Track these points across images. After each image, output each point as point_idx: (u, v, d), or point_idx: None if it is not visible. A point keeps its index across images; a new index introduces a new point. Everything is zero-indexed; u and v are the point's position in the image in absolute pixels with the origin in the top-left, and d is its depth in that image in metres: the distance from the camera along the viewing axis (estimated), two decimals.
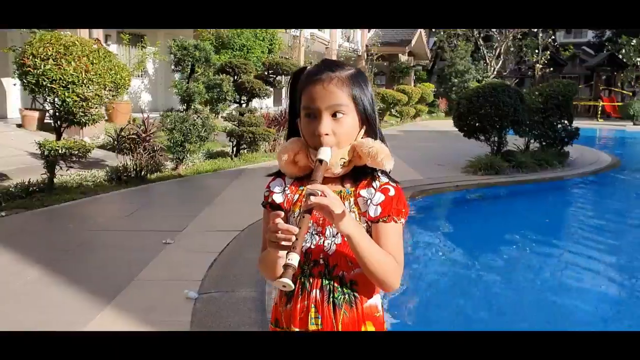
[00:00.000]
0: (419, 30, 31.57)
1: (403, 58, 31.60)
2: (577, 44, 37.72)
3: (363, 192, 1.47)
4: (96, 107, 6.72)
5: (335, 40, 27.79)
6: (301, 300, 1.46)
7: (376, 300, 1.51)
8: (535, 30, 31.44)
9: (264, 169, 9.85)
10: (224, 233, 5.34)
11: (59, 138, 6.90)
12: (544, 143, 11.08)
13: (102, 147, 10.30)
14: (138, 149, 8.06)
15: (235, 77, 10.27)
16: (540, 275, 5.44)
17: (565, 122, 10.97)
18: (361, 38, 31.32)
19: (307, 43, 21.87)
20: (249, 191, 7.74)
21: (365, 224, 1.45)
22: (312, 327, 1.44)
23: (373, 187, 1.47)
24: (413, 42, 30.91)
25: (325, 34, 26.77)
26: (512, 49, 32.23)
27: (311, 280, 1.45)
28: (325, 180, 1.42)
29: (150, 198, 7.13)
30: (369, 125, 1.48)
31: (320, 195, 1.30)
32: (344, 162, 1.45)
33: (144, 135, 8.12)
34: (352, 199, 1.47)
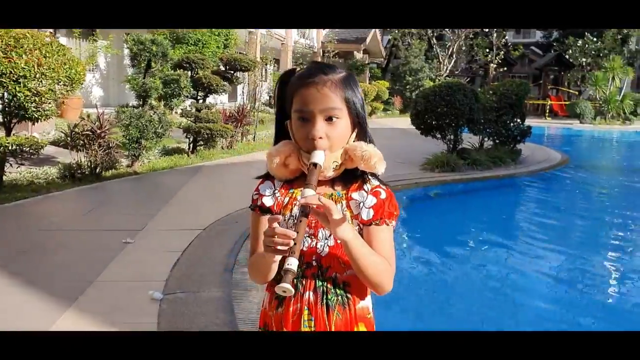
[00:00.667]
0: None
1: (358, 56, 31.77)
2: (525, 44, 38.82)
3: (355, 195, 1.47)
4: (49, 103, 6.49)
5: (291, 37, 27.70)
6: (294, 303, 1.45)
7: (368, 301, 1.52)
8: (488, 30, 32.17)
9: (221, 166, 9.76)
10: (186, 232, 5.26)
11: (8, 134, 6.64)
12: (497, 141, 11.37)
13: (53, 143, 9.95)
14: (93, 145, 7.83)
15: (192, 72, 10.11)
16: (493, 270, 5.55)
17: (518, 120, 11.28)
18: (317, 35, 31.33)
19: (263, 39, 21.69)
20: (209, 189, 7.66)
21: (357, 227, 1.45)
22: (305, 330, 1.43)
23: (365, 190, 1.47)
24: (368, 39, 31.13)
25: (281, 30, 26.65)
26: (463, 48, 32.89)
27: (304, 282, 1.45)
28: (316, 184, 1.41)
29: (106, 196, 6.95)
30: (361, 128, 1.48)
31: (318, 201, 1.30)
32: (336, 166, 1.45)
33: (99, 131, 7.89)
34: (344, 202, 1.47)
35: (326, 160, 1.41)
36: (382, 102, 27.44)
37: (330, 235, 1.44)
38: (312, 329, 1.43)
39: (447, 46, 31.00)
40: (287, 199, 1.51)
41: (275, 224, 1.29)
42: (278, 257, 1.36)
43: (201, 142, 10.62)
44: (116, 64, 16.78)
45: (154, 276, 4.06)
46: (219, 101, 16.82)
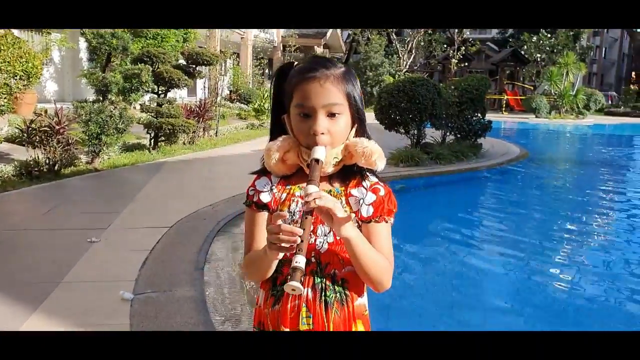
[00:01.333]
0: None
1: (318, 50, 31.77)
2: (482, 40, 39.51)
3: (354, 192, 1.46)
4: (5, 98, 6.25)
5: (251, 31, 27.46)
6: (291, 300, 1.42)
7: (364, 299, 1.50)
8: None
9: (184, 162, 9.60)
10: (152, 230, 5.14)
11: None
12: (459, 135, 11.53)
13: (7, 139, 9.60)
14: (51, 141, 7.59)
15: (153, 66, 9.89)
16: (456, 263, 5.57)
17: (479, 115, 11.46)
18: (276, 29, 31.17)
19: (223, 33, 21.43)
20: (173, 186, 7.52)
21: (356, 224, 1.43)
22: (303, 327, 1.41)
23: (364, 186, 1.46)
24: (328, 34, 31.17)
25: None
26: (422, 43, 33.27)
27: (302, 279, 1.42)
28: None
29: (67, 194, 6.73)
30: (360, 123, 1.46)
31: (321, 197, 1.28)
32: (337, 161, 1.43)
33: (57, 127, 7.64)
34: (342, 198, 1.45)
35: (327, 155, 1.39)
36: None
37: (329, 232, 1.42)
38: (311, 327, 1.41)
39: (407, 41, 31.29)
40: (284, 195, 1.48)
41: (280, 221, 1.26)
42: (280, 255, 1.33)
43: (163, 138, 10.42)
44: (71, 58, 16.28)
45: (123, 276, 3.95)
46: (178, 96, 16.56)
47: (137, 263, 4.20)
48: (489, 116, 12.33)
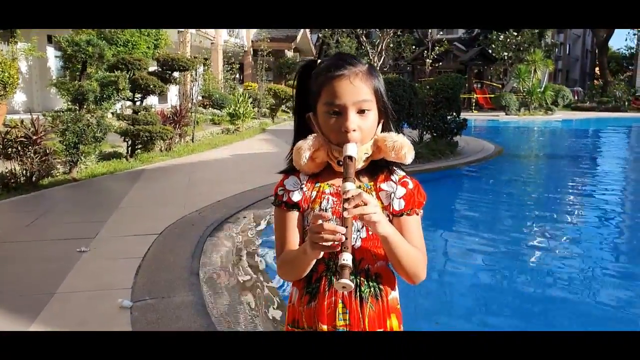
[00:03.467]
0: None
1: (289, 54, 31.82)
2: (449, 40, 40.01)
3: (384, 186, 1.47)
4: None
5: (221, 36, 27.35)
6: (328, 297, 1.43)
7: (397, 292, 1.52)
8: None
9: (163, 169, 9.50)
10: (141, 237, 5.08)
11: None
12: (435, 134, 11.67)
13: None
14: (28, 152, 7.44)
15: (129, 73, 9.77)
16: (437, 260, 5.57)
17: (454, 113, 11.62)
18: (246, 34, 31.09)
19: (193, 38, 21.31)
20: (155, 193, 7.44)
21: (387, 217, 1.44)
22: (340, 323, 1.42)
23: (392, 180, 1.48)
24: (298, 38, 31.24)
25: (210, 29, 26.26)
26: (391, 45, 33.51)
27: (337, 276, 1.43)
28: (341, 176, 1.38)
29: (48, 205, 6.60)
30: (386, 118, 1.48)
31: (359, 197, 1.28)
32: (367, 157, 1.44)
33: (34, 137, 7.50)
34: (373, 193, 1.46)
35: (358, 152, 1.40)
36: None
37: (362, 227, 1.43)
38: (347, 322, 1.42)
39: (377, 43, 31.49)
40: (314, 193, 1.48)
41: (321, 220, 1.27)
42: (321, 254, 1.33)
43: (140, 145, 10.30)
44: (39, 67, 15.98)
45: (118, 284, 3.90)
46: (149, 103, 16.39)
47: (130, 271, 4.15)
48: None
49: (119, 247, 4.80)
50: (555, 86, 31.66)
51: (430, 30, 33.46)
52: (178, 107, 12.01)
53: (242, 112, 16.98)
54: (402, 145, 1.42)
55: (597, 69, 54.35)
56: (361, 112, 1.40)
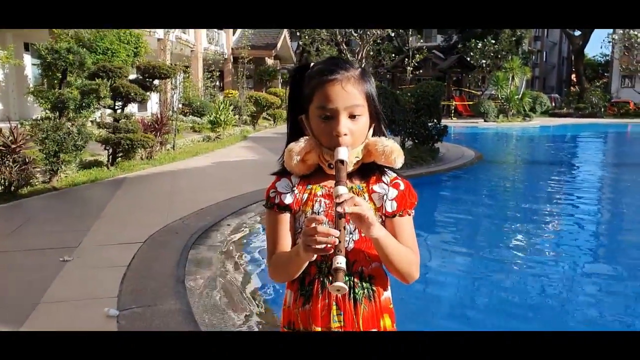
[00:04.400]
0: (284, 33, 32.02)
1: (269, 61, 31.84)
2: (428, 48, 40.41)
3: (376, 188, 1.49)
4: None
5: (200, 43, 27.28)
6: (322, 299, 1.45)
7: (389, 292, 1.54)
8: (393, 34, 33.24)
9: (144, 177, 9.43)
10: (125, 246, 5.04)
11: None
12: (417, 141, 11.77)
13: None
14: (6, 161, 7.34)
15: (110, 81, 9.70)
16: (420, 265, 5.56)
17: (435, 120, 11.73)
18: (226, 41, 31.06)
19: (173, 46, 21.22)
20: (137, 201, 7.38)
21: (380, 219, 1.47)
22: (334, 325, 1.44)
23: (384, 182, 1.50)
24: (279, 45, 31.27)
25: (190, 36, 26.19)
26: (371, 53, 33.75)
27: (331, 278, 1.44)
28: (332, 178, 1.40)
29: (29, 214, 6.52)
30: (378, 122, 1.50)
31: (351, 201, 1.31)
32: (357, 160, 1.46)
33: (13, 146, 7.40)
34: (365, 195, 1.48)
35: (349, 155, 1.41)
36: None
37: (354, 230, 1.45)
38: (342, 324, 1.44)
39: (357, 51, 31.68)
40: (306, 196, 1.50)
41: (314, 223, 1.29)
42: (314, 257, 1.35)
43: (121, 154, 10.22)
44: (16, 75, 15.78)
45: (103, 293, 3.86)
46: (128, 111, 16.25)
47: (115, 279, 4.12)
48: None
49: (102, 256, 4.76)
50: (533, 93, 32.16)
51: (409, 38, 33.71)
52: (159, 115, 11.93)
53: (223, 120, 16.94)
54: (392, 150, 1.44)
55: (573, 75, 55.31)
56: (353, 116, 1.42)
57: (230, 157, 12.64)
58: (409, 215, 1.49)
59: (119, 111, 10.35)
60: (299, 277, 1.48)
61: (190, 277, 4.23)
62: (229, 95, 23.54)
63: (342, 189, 1.34)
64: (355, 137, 1.43)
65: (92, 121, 11.90)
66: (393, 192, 1.48)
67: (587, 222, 7.56)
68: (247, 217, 6.34)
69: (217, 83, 28.20)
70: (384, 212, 1.47)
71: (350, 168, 1.44)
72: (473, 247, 6.15)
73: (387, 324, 1.50)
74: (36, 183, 8.03)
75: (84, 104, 9.58)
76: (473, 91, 36.80)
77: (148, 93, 10.80)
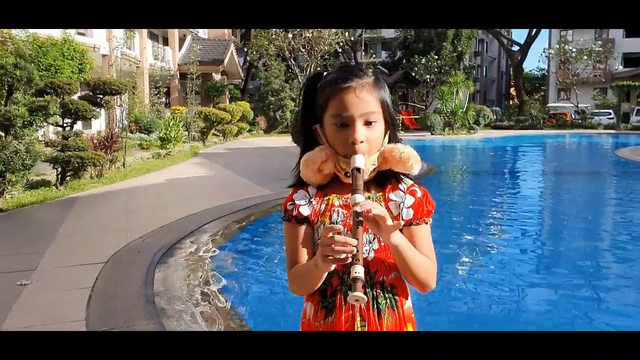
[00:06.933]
0: (231, 48, 31.91)
1: (217, 77, 31.63)
2: (374, 64, 41.11)
3: (392, 196, 1.48)
4: None
5: (146, 59, 26.86)
6: (345, 311, 1.42)
7: (410, 301, 1.53)
8: (340, 50, 33.66)
9: (96, 196, 9.14)
10: (87, 267, 4.86)
11: None
12: None
13: None
14: None
15: (59, 98, 9.37)
16: None
17: None
18: (172, 57, 30.69)
19: (120, 62, 20.78)
20: (93, 221, 7.15)
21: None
22: None
23: (401, 189, 1.49)
24: (226, 61, 31.13)
25: (135, 52, 25.74)
26: (319, 68, 34.06)
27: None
28: (349, 187, 1.39)
29: None
30: (393, 129, 1.49)
31: (371, 207, 1.30)
32: (374, 168, 1.45)
33: None
34: (382, 204, 1.46)
35: (365, 163, 1.40)
36: (248, 122, 27.49)
37: (374, 239, 1.44)
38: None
39: (305, 66, 31.89)
40: (323, 206, 1.48)
41: (331, 233, 1.28)
42: (332, 267, 1.34)
43: (70, 172, 9.86)
44: None
45: (69, 316, 3.71)
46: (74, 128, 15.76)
47: (81, 302, 3.95)
48: None
49: (64, 278, 4.57)
50: (477, 106, 33.21)
51: (356, 54, 34.27)
52: (110, 132, 11.62)
53: (173, 136, 16.67)
54: (409, 157, 1.44)
55: (512, 89, 57.39)
56: (368, 123, 1.41)
57: (183, 173, 12.42)
58: (426, 223, 1.48)
59: (67, 129, 9.99)
60: (320, 289, 1.46)
61: (159, 297, 4.11)
62: (177, 112, 23.20)
63: (360, 197, 1.33)
64: (371, 144, 1.42)
65: (35, 139, 11.46)
66: (410, 200, 1.47)
67: (529, 226, 7.87)
68: (209, 234, 6.22)
69: (164, 99, 27.78)
70: (401, 220, 1.47)
71: (366, 176, 1.43)
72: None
73: None
74: None
75: (26, 122, 9.23)
76: (418, 105, 37.63)
77: (98, 110, 10.47)
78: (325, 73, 1.51)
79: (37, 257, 5.20)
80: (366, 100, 1.41)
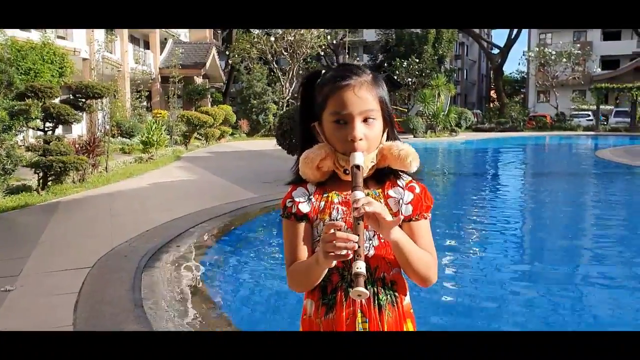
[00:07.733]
0: (212, 52, 31.80)
1: (199, 80, 31.48)
2: None
3: (391, 193, 1.49)
4: None
5: (127, 63, 26.65)
6: (346, 307, 1.44)
7: (408, 297, 1.55)
8: (323, 54, 33.72)
9: (79, 200, 9.05)
10: (72, 272, 4.81)
11: None
12: None
13: None
14: None
15: (40, 101, 9.26)
16: None
17: None
18: (153, 61, 30.48)
19: (100, 66, 20.61)
20: (77, 226, 7.07)
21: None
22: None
23: (399, 186, 1.50)
24: (208, 64, 31.01)
25: (116, 55, 25.52)
26: (301, 72, 34.07)
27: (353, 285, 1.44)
28: (348, 184, 1.40)
29: None
30: (391, 126, 1.51)
31: (371, 203, 1.32)
32: (372, 165, 1.46)
33: None
34: (381, 200, 1.48)
35: (364, 160, 1.42)
36: (230, 125, 27.40)
37: (374, 236, 1.45)
38: (367, 331, 1.44)
39: (287, 70, 31.88)
40: (323, 204, 1.49)
41: (333, 229, 1.28)
42: (333, 263, 1.35)
43: (52, 177, 9.75)
44: None
45: (56, 321, 3.66)
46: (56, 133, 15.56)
47: (67, 307, 3.91)
48: None
49: (49, 283, 4.51)
50: (458, 109, 33.45)
51: (337, 58, 34.36)
52: (92, 136, 11.51)
53: (156, 140, 16.54)
54: (407, 154, 1.45)
55: (492, 92, 57.91)
56: (367, 121, 1.43)
57: (166, 177, 12.34)
58: (425, 218, 1.50)
59: (49, 133, 9.87)
60: (320, 285, 1.47)
61: (148, 301, 4.08)
62: (158, 115, 23.04)
63: (359, 194, 1.34)
64: (370, 141, 1.43)
65: (15, 144, 11.31)
66: (409, 196, 1.49)
67: (510, 225, 8.01)
68: (196, 237, 6.20)
69: (146, 103, 27.59)
70: (400, 216, 1.48)
71: (365, 173, 1.44)
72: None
73: (409, 329, 1.51)
74: None
75: (10, 126, 9.10)
76: (400, 108, 37.82)
77: (81, 114, 10.36)
78: (323, 71, 1.52)
79: (20, 262, 5.13)
80: (365, 98, 1.42)
